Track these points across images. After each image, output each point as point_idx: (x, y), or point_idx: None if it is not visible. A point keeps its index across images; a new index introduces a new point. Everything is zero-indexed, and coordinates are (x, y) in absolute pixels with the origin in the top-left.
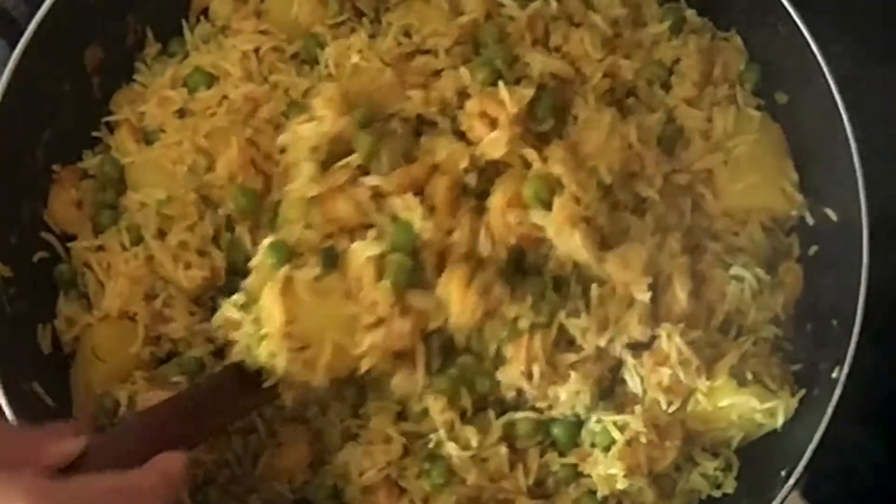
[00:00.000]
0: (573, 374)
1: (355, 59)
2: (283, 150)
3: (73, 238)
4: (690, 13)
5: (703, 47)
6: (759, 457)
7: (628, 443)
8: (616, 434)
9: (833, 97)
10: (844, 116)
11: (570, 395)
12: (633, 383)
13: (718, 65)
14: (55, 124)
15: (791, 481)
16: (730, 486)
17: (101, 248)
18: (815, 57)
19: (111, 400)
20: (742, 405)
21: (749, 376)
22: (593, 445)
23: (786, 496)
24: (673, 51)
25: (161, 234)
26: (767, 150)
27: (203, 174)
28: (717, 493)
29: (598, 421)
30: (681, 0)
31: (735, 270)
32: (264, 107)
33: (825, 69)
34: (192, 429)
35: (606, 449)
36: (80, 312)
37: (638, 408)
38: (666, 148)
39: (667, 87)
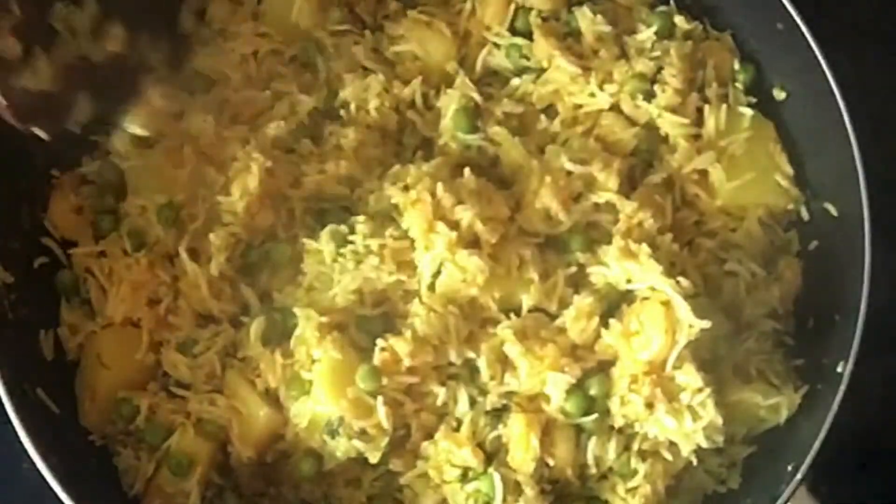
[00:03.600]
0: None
1: (374, 103)
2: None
3: (73, 245)
4: (680, 18)
5: (686, 54)
6: (764, 453)
7: (646, 476)
8: (639, 466)
9: (832, 91)
10: (844, 111)
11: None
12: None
13: (709, 66)
14: None
15: (798, 476)
16: (734, 482)
17: (102, 254)
18: (813, 52)
19: (129, 407)
20: (746, 401)
21: (753, 372)
22: (611, 470)
23: (793, 491)
24: (655, 61)
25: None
26: (761, 147)
27: (216, 190)
28: (722, 489)
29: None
30: (671, 3)
31: (730, 266)
32: (272, 124)
33: (824, 64)
34: None
35: (624, 476)
36: (83, 320)
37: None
38: (643, 158)
39: (650, 96)
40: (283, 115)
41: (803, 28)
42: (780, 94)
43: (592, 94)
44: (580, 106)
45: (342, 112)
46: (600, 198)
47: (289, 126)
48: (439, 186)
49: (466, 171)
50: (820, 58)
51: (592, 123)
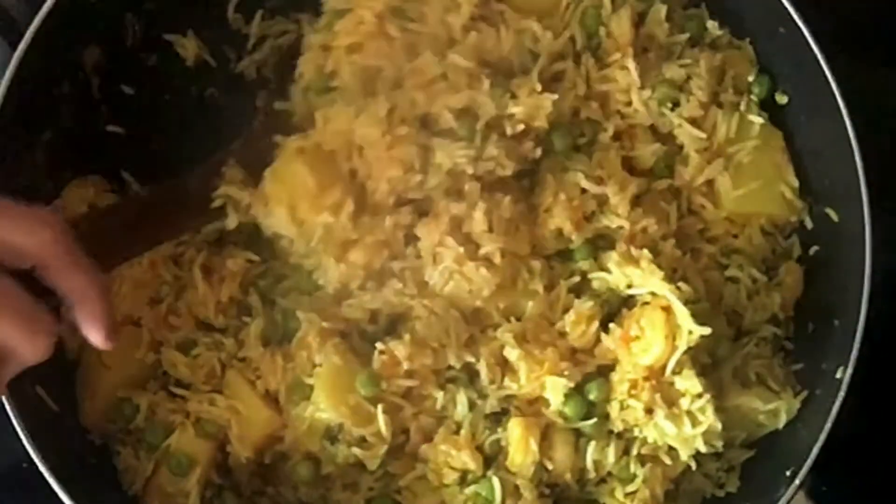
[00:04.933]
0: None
1: None
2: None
3: None
4: (712, 24)
5: (715, 65)
6: (763, 457)
7: (645, 481)
8: (638, 471)
9: (834, 96)
10: (845, 115)
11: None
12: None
13: (727, 76)
14: (55, 125)
15: (797, 480)
16: (733, 486)
17: None
18: (815, 57)
19: (130, 406)
20: (745, 406)
21: (752, 377)
22: (610, 474)
23: (792, 496)
24: (685, 69)
25: None
26: (768, 156)
27: None
28: (720, 493)
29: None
30: (702, 6)
31: (731, 272)
32: None
33: (826, 69)
34: (129, 240)
35: (623, 480)
36: None
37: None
38: (659, 170)
39: (675, 105)
40: None
41: (805, 32)
42: (781, 99)
43: (637, 110)
44: (621, 114)
45: None
46: (612, 222)
47: None
48: (480, 206)
49: (507, 199)
50: (821, 60)
51: (621, 132)
